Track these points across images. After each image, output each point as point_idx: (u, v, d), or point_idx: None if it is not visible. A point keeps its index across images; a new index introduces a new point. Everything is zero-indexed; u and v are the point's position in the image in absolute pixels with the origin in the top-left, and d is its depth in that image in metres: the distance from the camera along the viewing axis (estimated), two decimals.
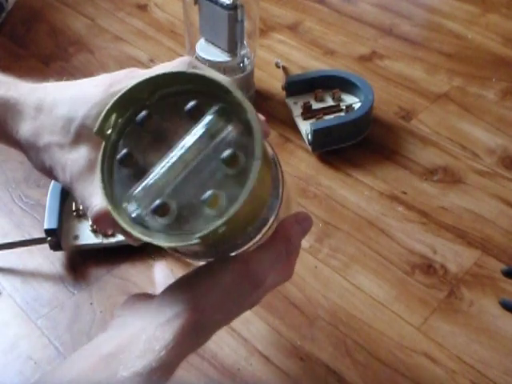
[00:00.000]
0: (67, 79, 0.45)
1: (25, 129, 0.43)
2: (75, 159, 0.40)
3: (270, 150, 0.41)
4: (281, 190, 0.42)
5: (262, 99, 0.88)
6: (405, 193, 0.74)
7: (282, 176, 0.42)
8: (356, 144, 0.80)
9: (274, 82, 0.91)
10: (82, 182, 0.40)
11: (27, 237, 0.68)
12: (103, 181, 0.37)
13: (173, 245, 0.36)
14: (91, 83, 0.43)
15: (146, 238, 0.35)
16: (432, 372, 0.57)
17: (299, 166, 0.78)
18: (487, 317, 0.61)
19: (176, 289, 0.42)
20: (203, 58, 0.82)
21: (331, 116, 0.82)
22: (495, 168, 0.78)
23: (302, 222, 0.45)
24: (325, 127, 0.77)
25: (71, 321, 0.61)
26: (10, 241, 0.67)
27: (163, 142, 0.37)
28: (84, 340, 0.59)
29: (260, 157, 0.34)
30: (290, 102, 0.85)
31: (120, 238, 0.66)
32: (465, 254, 0.67)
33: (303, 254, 0.67)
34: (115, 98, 0.38)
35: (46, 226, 0.64)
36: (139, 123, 0.38)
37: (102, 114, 0.38)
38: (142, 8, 1.10)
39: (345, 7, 1.10)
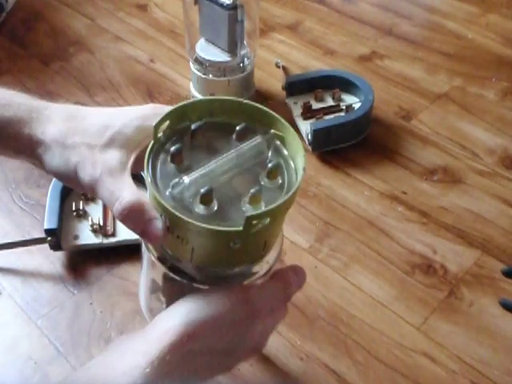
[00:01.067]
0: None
1: (54, 129, 0.44)
2: (106, 159, 0.42)
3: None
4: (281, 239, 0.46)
5: (262, 99, 0.88)
6: (405, 193, 0.74)
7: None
8: (356, 144, 0.80)
9: (274, 82, 0.91)
10: (113, 178, 0.41)
11: (27, 237, 0.68)
12: (148, 163, 0.40)
13: (210, 227, 0.37)
14: (131, 106, 0.46)
15: (185, 218, 0.37)
16: (432, 372, 0.57)
17: None
18: (487, 317, 0.61)
19: (171, 309, 0.41)
20: (203, 58, 0.82)
21: (331, 116, 0.82)
22: (495, 168, 0.78)
23: (298, 274, 0.46)
24: (325, 127, 0.77)
25: (71, 321, 0.61)
26: (10, 241, 0.67)
27: (209, 153, 0.41)
28: (84, 340, 0.59)
29: (305, 167, 0.40)
30: (290, 102, 0.85)
31: (120, 237, 0.66)
32: (465, 254, 0.67)
33: (303, 254, 0.67)
34: (175, 106, 0.42)
35: (46, 226, 0.64)
36: (193, 131, 0.42)
37: (164, 113, 0.41)
38: (142, 8, 1.10)
39: (345, 7, 1.10)
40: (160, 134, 0.41)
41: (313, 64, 0.96)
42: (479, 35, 1.02)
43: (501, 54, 0.98)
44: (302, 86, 0.85)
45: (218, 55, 0.82)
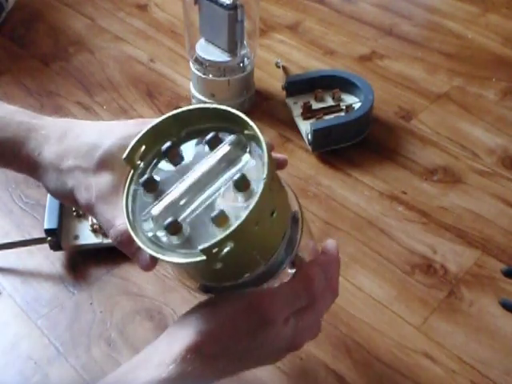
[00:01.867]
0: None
1: (49, 151, 0.44)
2: (99, 182, 0.42)
3: (295, 201, 0.44)
4: (299, 234, 0.43)
5: (262, 99, 0.88)
6: (405, 193, 0.74)
7: (302, 221, 0.44)
8: (356, 144, 0.80)
9: (274, 82, 0.91)
10: (106, 204, 0.42)
11: (27, 237, 0.68)
12: (127, 205, 0.40)
13: (182, 261, 0.37)
14: (120, 122, 0.46)
15: (158, 255, 0.37)
16: (432, 372, 0.57)
17: (299, 166, 0.78)
18: (487, 317, 0.61)
19: (197, 310, 0.43)
20: (203, 58, 0.82)
21: (331, 116, 0.82)
22: (495, 168, 0.78)
23: (328, 269, 0.44)
24: (325, 127, 0.77)
25: (71, 321, 0.61)
26: (9, 241, 0.67)
27: (185, 171, 0.40)
28: (84, 340, 0.59)
29: (267, 177, 0.36)
30: (290, 102, 0.85)
31: None
32: (465, 254, 0.67)
33: None
34: (144, 130, 0.41)
35: (46, 226, 0.64)
36: (164, 152, 0.41)
37: (132, 143, 0.41)
38: (142, 8, 1.10)
39: (345, 7, 1.10)
40: (138, 162, 0.41)
41: (313, 64, 0.95)
42: (479, 35, 1.02)
43: (501, 54, 0.98)
44: (301, 86, 0.85)
45: (218, 55, 0.82)
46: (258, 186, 0.37)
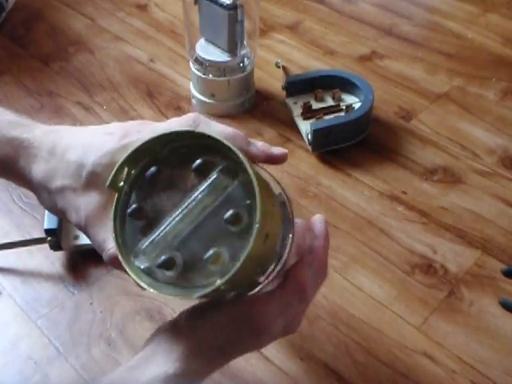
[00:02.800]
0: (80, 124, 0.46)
1: (37, 170, 0.44)
2: (88, 203, 0.42)
3: (283, 195, 0.44)
4: (291, 232, 0.43)
5: (262, 99, 0.88)
6: (405, 193, 0.74)
7: (292, 216, 0.43)
8: (356, 144, 0.80)
9: (273, 82, 0.91)
10: (96, 227, 0.41)
11: (27, 237, 0.68)
12: (116, 232, 0.39)
13: (178, 298, 0.38)
14: (104, 130, 0.44)
15: (152, 290, 0.38)
16: (432, 372, 0.57)
17: (299, 166, 0.78)
18: (487, 317, 0.61)
19: (184, 319, 0.43)
20: (203, 58, 0.82)
21: (331, 116, 0.81)
22: (495, 168, 0.78)
23: (318, 270, 0.44)
24: (325, 127, 0.77)
25: (71, 321, 0.61)
26: (9, 241, 0.67)
27: (172, 194, 0.40)
28: (84, 340, 0.59)
29: (259, 221, 0.36)
30: (290, 102, 0.85)
31: None
32: (465, 254, 0.67)
33: None
34: (127, 154, 0.40)
35: (45, 226, 0.64)
36: (149, 178, 0.40)
37: (114, 169, 0.40)
38: (142, 8, 1.10)
39: (345, 7, 1.10)
40: (122, 183, 0.40)
41: (313, 64, 0.96)
42: (479, 35, 1.02)
43: (501, 54, 0.98)
44: (301, 86, 0.85)
45: (218, 55, 0.82)
46: (249, 218, 0.37)
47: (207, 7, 0.78)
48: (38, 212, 0.71)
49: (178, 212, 0.38)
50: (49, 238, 0.64)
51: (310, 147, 0.79)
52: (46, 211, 0.66)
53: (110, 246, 0.41)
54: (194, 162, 0.39)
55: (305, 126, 0.80)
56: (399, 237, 0.69)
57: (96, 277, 0.65)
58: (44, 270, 0.66)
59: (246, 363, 0.57)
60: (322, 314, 0.61)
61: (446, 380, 0.56)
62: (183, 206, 0.38)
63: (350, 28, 1.04)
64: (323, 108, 0.83)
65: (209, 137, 0.39)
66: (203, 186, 0.38)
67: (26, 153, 0.45)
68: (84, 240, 0.66)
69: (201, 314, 0.43)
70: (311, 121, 0.81)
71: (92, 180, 0.42)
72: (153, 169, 0.40)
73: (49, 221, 0.64)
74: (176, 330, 0.43)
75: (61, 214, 0.44)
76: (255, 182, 0.36)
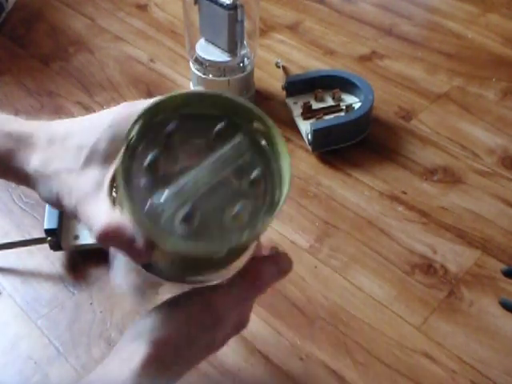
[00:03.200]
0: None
1: (35, 158, 0.43)
2: (82, 182, 0.41)
3: None
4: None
5: (262, 99, 0.88)
6: (405, 193, 0.74)
7: None
8: (356, 144, 0.80)
9: (273, 82, 0.91)
10: (88, 204, 0.41)
11: (27, 237, 0.68)
12: (122, 180, 0.36)
13: (191, 250, 0.36)
14: (107, 110, 0.44)
15: (166, 242, 0.36)
16: (432, 372, 0.57)
17: (299, 166, 0.78)
18: (487, 317, 0.61)
19: (149, 317, 0.43)
20: (203, 58, 0.82)
21: (331, 116, 0.81)
22: (495, 168, 0.78)
23: (279, 263, 0.44)
24: (325, 127, 0.77)
25: (71, 321, 0.61)
26: (9, 241, 0.67)
27: (191, 152, 0.39)
28: (84, 340, 0.59)
29: (289, 184, 0.37)
30: (290, 102, 0.85)
31: None
32: (465, 254, 0.67)
33: (303, 254, 0.67)
34: (148, 105, 0.38)
35: (46, 226, 0.64)
36: (168, 134, 0.39)
37: (134, 119, 0.38)
38: (142, 8, 1.10)
39: (345, 7, 1.10)
40: (132, 138, 0.38)
41: (313, 64, 0.96)
42: (479, 35, 1.02)
43: (501, 54, 0.98)
44: (301, 86, 0.85)
45: (218, 55, 0.82)
46: (266, 182, 0.38)
47: (207, 7, 0.78)
48: (38, 212, 0.71)
49: (199, 169, 0.38)
50: (49, 238, 0.64)
51: (309, 147, 0.79)
52: (46, 211, 0.66)
53: (102, 217, 0.39)
54: (215, 125, 0.39)
55: (305, 126, 0.80)
56: (399, 237, 0.69)
57: (96, 277, 0.65)
58: (44, 270, 0.66)
59: (246, 363, 0.57)
60: (322, 313, 0.61)
61: (445, 380, 0.56)
62: (205, 164, 0.38)
63: (350, 28, 1.04)
64: (323, 108, 0.83)
65: (235, 101, 0.39)
66: (227, 147, 0.39)
67: (25, 144, 0.44)
68: (84, 240, 0.66)
69: (171, 303, 0.43)
70: (311, 121, 0.81)
71: (91, 157, 0.41)
72: (172, 124, 0.39)
73: (49, 221, 0.64)
74: (129, 340, 0.43)
75: (55, 201, 0.43)
76: (284, 149, 0.38)
